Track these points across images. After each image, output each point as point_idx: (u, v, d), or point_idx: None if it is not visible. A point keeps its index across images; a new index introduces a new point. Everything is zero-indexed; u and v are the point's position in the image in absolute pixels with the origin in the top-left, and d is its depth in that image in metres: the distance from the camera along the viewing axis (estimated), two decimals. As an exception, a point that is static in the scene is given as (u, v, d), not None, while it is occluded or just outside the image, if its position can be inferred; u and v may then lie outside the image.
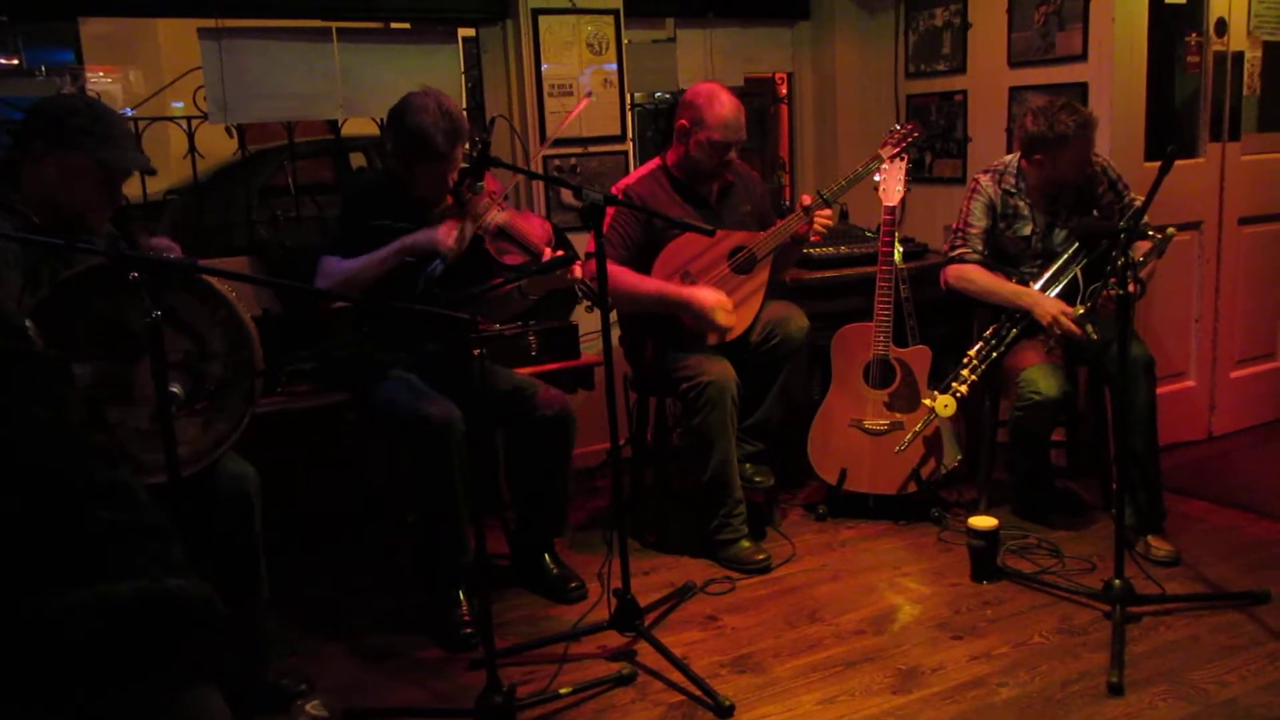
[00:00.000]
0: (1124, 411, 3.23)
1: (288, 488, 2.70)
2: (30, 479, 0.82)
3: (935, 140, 4.55)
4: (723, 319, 3.29)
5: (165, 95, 4.61)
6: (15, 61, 6.08)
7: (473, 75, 4.41)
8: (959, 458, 3.63)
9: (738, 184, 3.56)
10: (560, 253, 2.92)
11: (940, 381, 3.41)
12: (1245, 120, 4.32)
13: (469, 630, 2.92)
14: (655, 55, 4.54)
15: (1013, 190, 3.54)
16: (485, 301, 2.98)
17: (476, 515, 2.54)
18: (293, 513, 2.76)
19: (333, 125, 4.47)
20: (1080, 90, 3.87)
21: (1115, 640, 2.70)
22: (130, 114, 4.20)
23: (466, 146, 2.98)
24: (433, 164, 2.93)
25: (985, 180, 3.58)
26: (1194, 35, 4.16)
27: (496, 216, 3.00)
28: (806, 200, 3.42)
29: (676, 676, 2.69)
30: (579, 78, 4.08)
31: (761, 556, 3.35)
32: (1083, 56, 3.89)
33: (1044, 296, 3.37)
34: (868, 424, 3.61)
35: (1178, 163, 2.80)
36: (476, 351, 2.35)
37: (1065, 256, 3.43)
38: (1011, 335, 3.41)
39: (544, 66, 4.01)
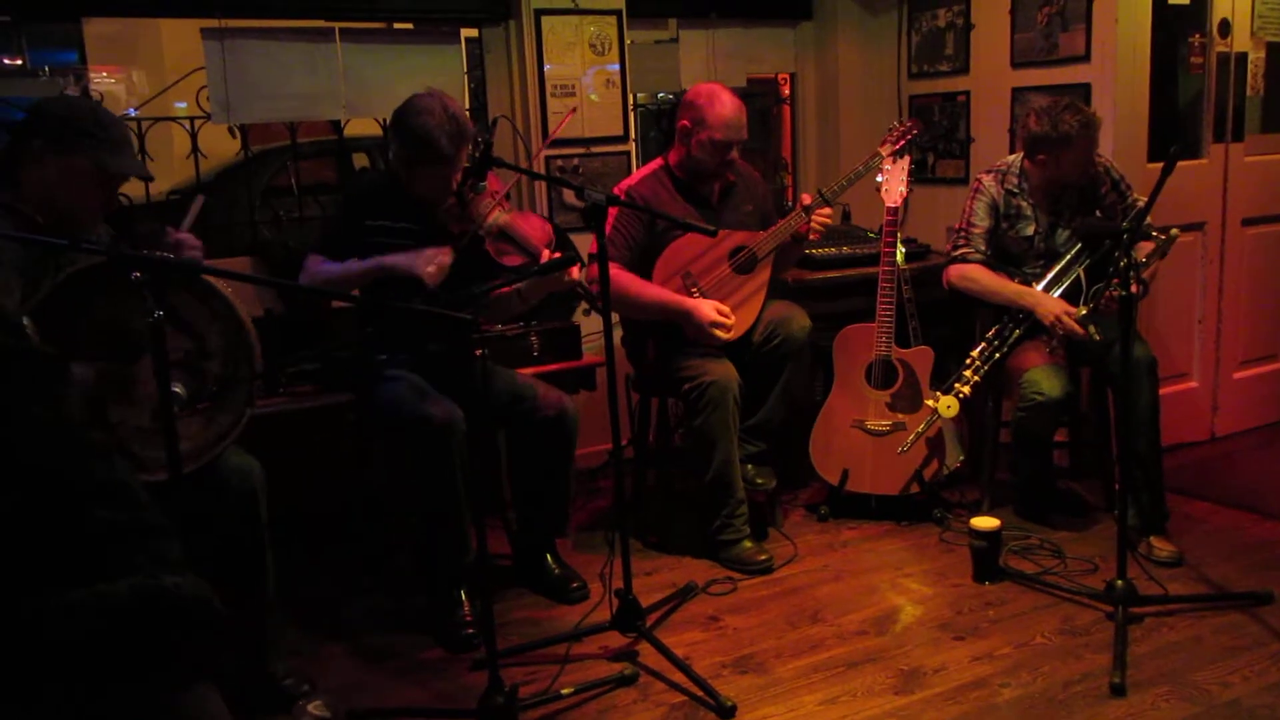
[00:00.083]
0: (1127, 412, 3.23)
1: (289, 488, 2.71)
2: (30, 478, 0.82)
3: (938, 141, 4.55)
4: (721, 334, 3.30)
5: (168, 95, 4.62)
6: (19, 62, 6.09)
7: (475, 76, 4.41)
8: (961, 458, 3.62)
9: (739, 184, 3.56)
10: (558, 254, 2.92)
11: (943, 382, 3.41)
12: (1249, 121, 4.32)
13: (471, 630, 2.92)
14: (658, 56, 4.55)
15: (1015, 190, 3.54)
16: (484, 302, 2.98)
17: (478, 515, 2.54)
18: (294, 513, 2.75)
19: (336, 126, 4.47)
20: (1083, 91, 3.87)
21: (1117, 641, 2.70)
22: (134, 114, 4.22)
23: (469, 148, 2.98)
24: (436, 166, 2.93)
25: (988, 180, 3.58)
26: (1197, 36, 4.15)
27: (498, 218, 3.00)
28: (807, 199, 3.42)
29: (678, 677, 2.69)
30: (581, 78, 4.08)
31: (763, 557, 3.35)
32: (1086, 57, 3.89)
33: (1047, 297, 3.37)
34: (870, 425, 3.61)
35: (1181, 163, 2.81)
36: (479, 352, 2.35)
37: (1068, 257, 3.42)
38: (1014, 336, 3.40)
39: (546, 67, 4.01)
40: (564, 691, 2.61)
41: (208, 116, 3.73)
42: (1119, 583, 2.84)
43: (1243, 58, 4.25)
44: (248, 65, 3.66)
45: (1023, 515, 3.65)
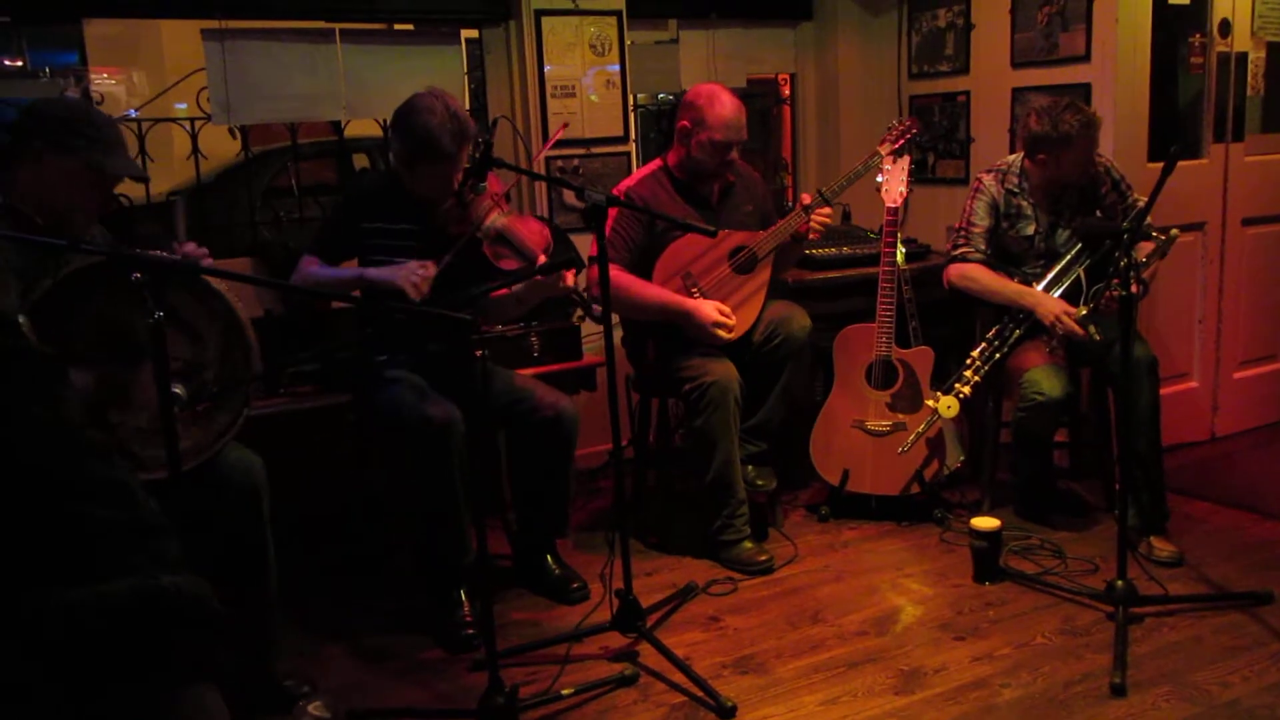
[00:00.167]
0: (1127, 412, 3.23)
1: (289, 488, 2.71)
2: (27, 477, 0.82)
3: (938, 141, 4.55)
4: (722, 334, 3.30)
5: (169, 96, 4.63)
6: (20, 63, 6.09)
7: (475, 76, 4.41)
8: (961, 459, 3.62)
9: (739, 184, 3.56)
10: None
11: (943, 382, 3.41)
12: (1249, 121, 4.32)
13: (471, 631, 2.92)
14: (658, 56, 4.55)
15: (1016, 190, 3.54)
16: (481, 304, 2.98)
17: (478, 516, 2.54)
18: (294, 513, 2.75)
19: (336, 126, 4.47)
20: (1083, 91, 3.87)
21: (1118, 641, 2.70)
22: (134, 115, 4.21)
23: (470, 147, 2.98)
24: (439, 165, 2.93)
25: (988, 180, 3.58)
26: (1197, 36, 4.15)
27: (496, 220, 3.00)
28: (806, 199, 3.42)
29: (678, 677, 2.69)
30: (581, 79, 4.08)
31: (764, 558, 3.35)
32: (1086, 57, 3.89)
33: (1047, 296, 3.37)
34: (870, 425, 3.61)
35: (1181, 163, 2.81)
36: (479, 353, 2.35)
37: (1068, 257, 3.42)
38: (1014, 336, 3.40)
39: (547, 68, 4.01)
40: (564, 692, 2.61)
41: (208, 117, 3.73)
42: (1119, 583, 2.84)
43: (1243, 57, 4.25)
44: (248, 66, 3.66)
45: (1023, 515, 3.65)
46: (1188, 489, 3.86)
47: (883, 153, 3.60)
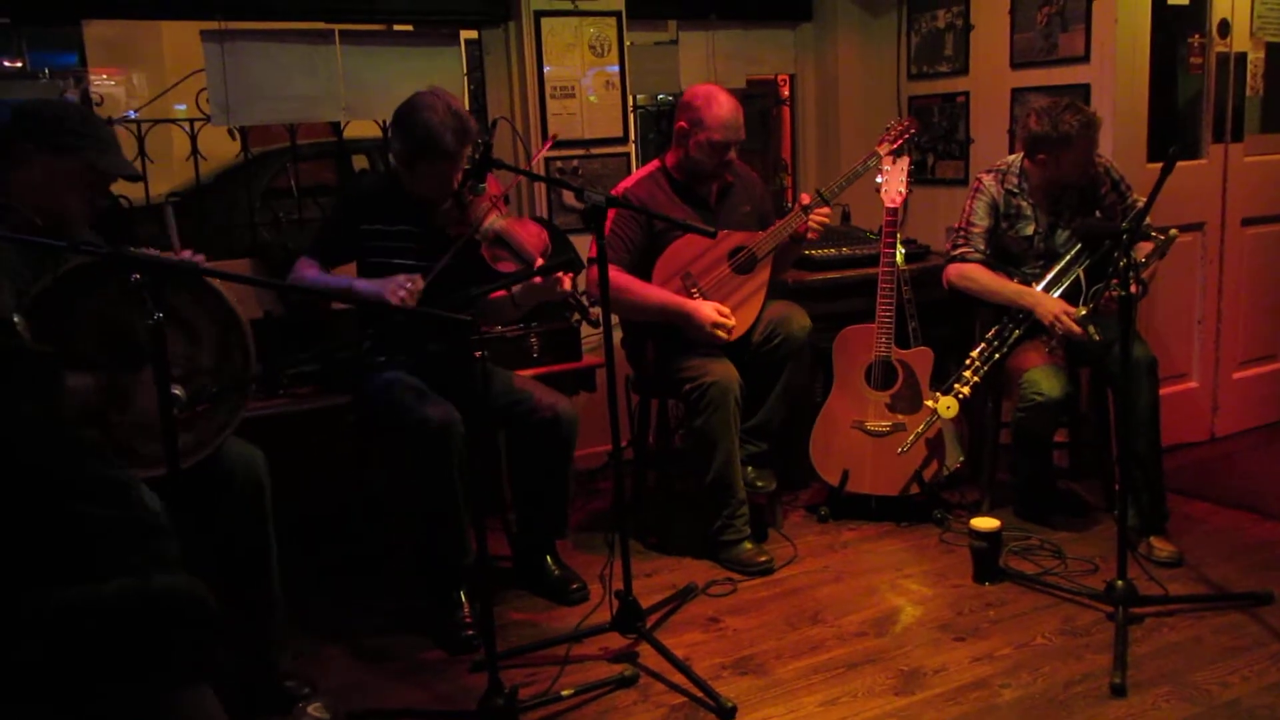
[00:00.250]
0: (1126, 413, 3.23)
1: (289, 489, 2.70)
2: (24, 476, 0.82)
3: (937, 142, 4.55)
4: (722, 335, 3.30)
5: (168, 97, 4.63)
6: (19, 64, 6.09)
7: (475, 77, 4.41)
8: (961, 459, 3.62)
9: (737, 185, 3.56)
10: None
11: (942, 383, 3.41)
12: (1248, 121, 4.32)
13: (470, 632, 2.92)
14: (657, 57, 4.55)
15: (1015, 190, 3.54)
16: (479, 305, 2.98)
17: (478, 517, 2.55)
18: (294, 514, 2.75)
19: (335, 127, 4.47)
20: (1083, 91, 3.87)
21: (1118, 641, 2.70)
22: (134, 116, 4.21)
23: (470, 147, 2.98)
24: (440, 164, 2.93)
25: (988, 180, 3.58)
26: (1197, 36, 4.15)
27: (495, 222, 3.00)
28: (805, 199, 3.42)
29: (678, 678, 2.69)
30: (581, 79, 4.08)
31: (764, 558, 3.35)
32: (1085, 58, 3.89)
33: (1046, 296, 3.37)
34: (870, 425, 3.61)
35: (1180, 164, 2.81)
36: (479, 354, 2.35)
37: (1068, 257, 3.42)
38: (1014, 336, 3.41)
39: (546, 69, 4.01)
40: (564, 693, 2.61)
41: (207, 118, 3.73)
42: (1119, 583, 2.84)
43: (1242, 58, 4.25)
44: (247, 67, 3.67)
45: (1023, 516, 3.65)
46: (1187, 489, 3.86)
47: (881, 153, 3.60)
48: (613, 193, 3.42)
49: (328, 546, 3.60)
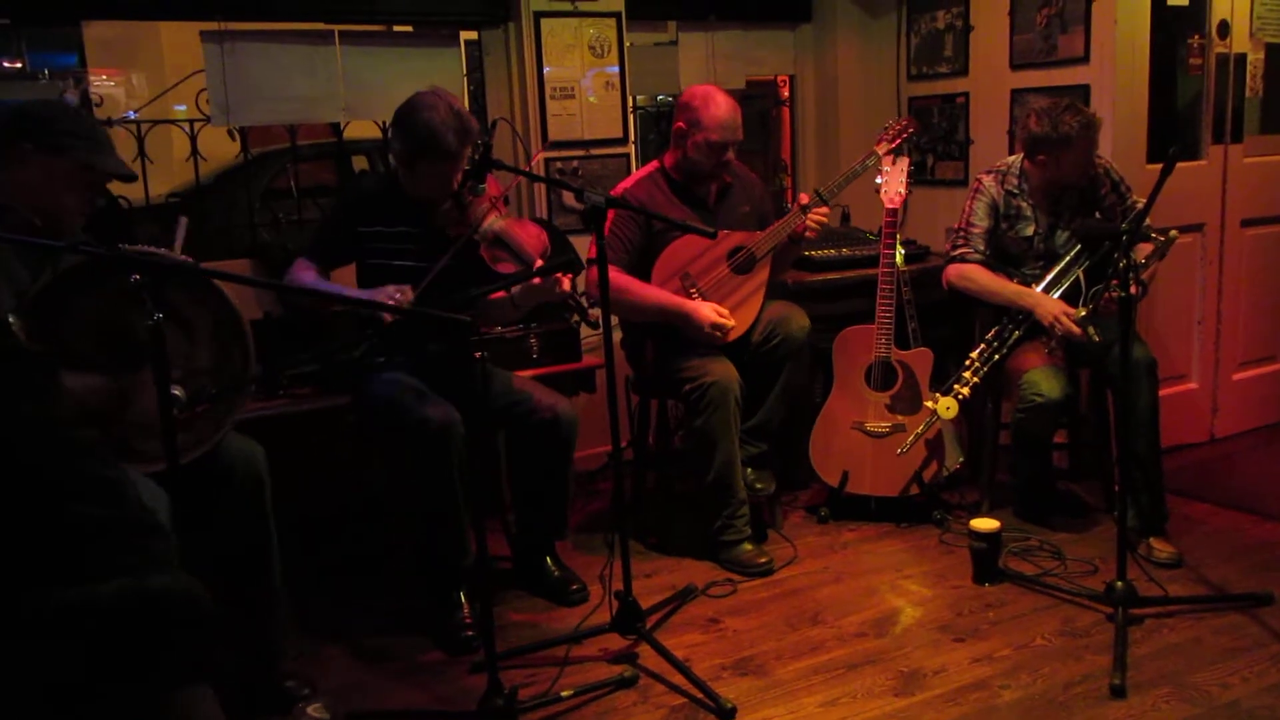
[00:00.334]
0: (1126, 413, 3.23)
1: (289, 489, 2.70)
2: (19, 476, 0.82)
3: (937, 143, 4.55)
4: (720, 335, 3.30)
5: (168, 98, 4.63)
6: (19, 65, 6.09)
7: (474, 78, 4.41)
8: (961, 460, 3.62)
9: (736, 185, 3.56)
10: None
11: (942, 383, 3.41)
12: (1248, 122, 4.32)
13: (470, 633, 2.92)
14: (657, 58, 4.55)
15: (1015, 191, 3.54)
16: (479, 306, 2.98)
17: (477, 517, 2.54)
18: (293, 514, 2.75)
19: (335, 128, 4.47)
20: (1082, 92, 3.87)
21: (1117, 642, 2.70)
22: (133, 117, 4.21)
23: (471, 147, 2.98)
24: (440, 163, 2.93)
25: (988, 180, 3.58)
26: (1196, 37, 4.16)
27: (494, 223, 3.00)
28: (804, 199, 3.42)
29: (678, 679, 2.69)
30: (580, 80, 4.08)
31: (763, 559, 3.35)
32: (1085, 59, 3.89)
33: (1046, 297, 3.37)
34: (869, 426, 3.61)
35: (1180, 165, 2.81)
36: (478, 355, 2.35)
37: (1068, 258, 3.43)
38: (1013, 337, 3.41)
39: (546, 69, 4.01)
40: (564, 694, 2.61)
41: (207, 119, 3.73)
42: (1119, 584, 2.84)
43: (1241, 59, 4.25)
44: (247, 68, 3.66)
45: (1022, 517, 3.65)
46: (1187, 490, 3.86)
47: (879, 152, 3.60)
48: (611, 194, 3.42)
49: (328, 546, 3.60)
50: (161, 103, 4.77)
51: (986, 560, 3.19)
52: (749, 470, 3.49)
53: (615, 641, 2.89)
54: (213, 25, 3.60)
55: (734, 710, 2.55)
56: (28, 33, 5.74)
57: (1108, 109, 3.80)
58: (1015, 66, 4.17)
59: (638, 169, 3.89)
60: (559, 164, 4.08)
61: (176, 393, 2.21)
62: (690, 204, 3.46)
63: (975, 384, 3.35)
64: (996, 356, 3.40)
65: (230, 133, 3.94)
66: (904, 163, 3.59)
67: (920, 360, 3.59)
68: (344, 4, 3.79)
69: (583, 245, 3.50)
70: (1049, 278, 3.42)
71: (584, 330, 3.64)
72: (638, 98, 4.65)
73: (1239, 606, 2.98)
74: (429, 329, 3.04)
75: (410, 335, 3.05)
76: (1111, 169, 3.56)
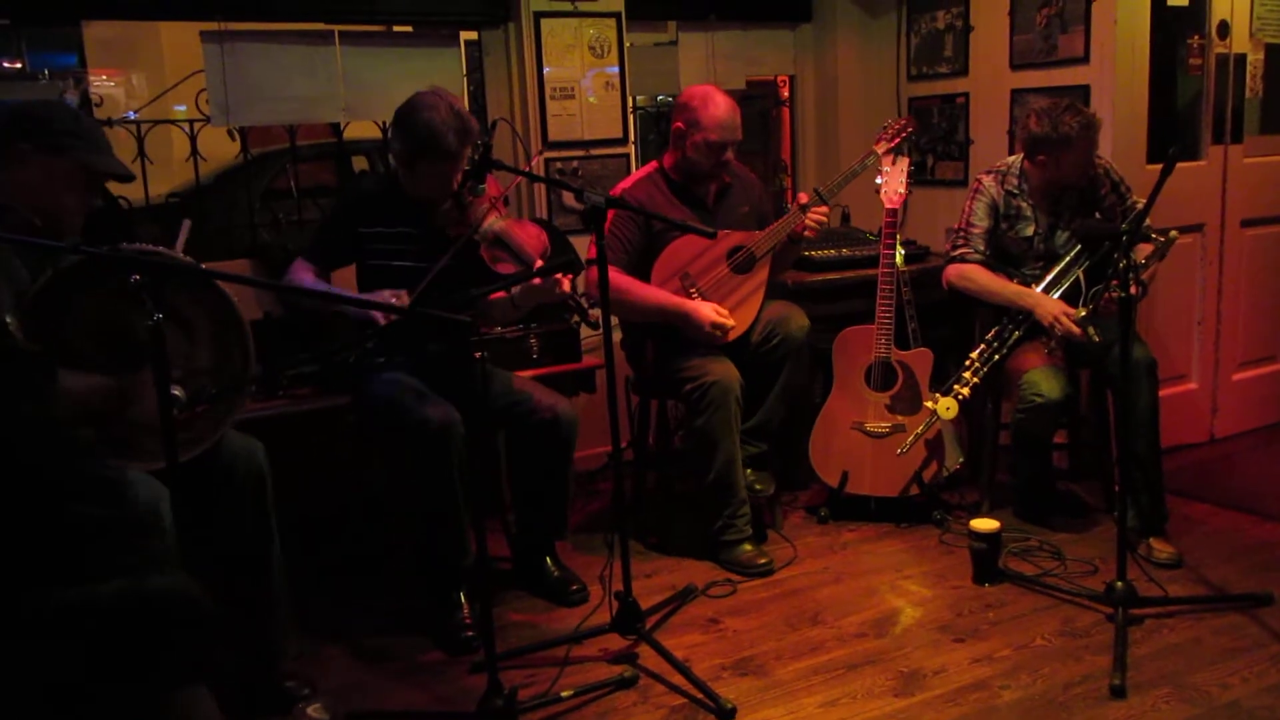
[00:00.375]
0: (1126, 414, 3.23)
1: (289, 489, 2.70)
2: (17, 475, 0.82)
3: (937, 143, 4.55)
4: (720, 335, 3.30)
5: (168, 98, 4.63)
6: (19, 65, 6.09)
7: (474, 78, 4.41)
8: (961, 460, 3.62)
9: (735, 185, 3.56)
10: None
11: (942, 384, 3.41)
12: (1247, 122, 4.32)
13: (470, 633, 2.92)
14: (657, 58, 4.55)
15: (1015, 191, 3.54)
16: (479, 306, 2.98)
17: (477, 518, 2.54)
18: (293, 514, 2.75)
19: (335, 128, 4.47)
20: (1082, 92, 3.87)
21: (1117, 643, 2.70)
22: (133, 117, 4.21)
23: (471, 148, 2.98)
24: (441, 163, 2.93)
25: (988, 180, 3.58)
26: (1196, 37, 4.16)
27: (494, 223, 3.00)
28: (803, 198, 3.42)
29: (678, 679, 2.69)
30: (580, 80, 4.08)
31: (763, 559, 3.35)
32: (1085, 59, 3.89)
33: (1046, 297, 3.37)
34: (869, 426, 3.61)
35: (1180, 165, 2.81)
36: (478, 355, 2.35)
37: (1068, 258, 3.43)
38: (1013, 337, 3.41)
39: (546, 69, 4.01)
40: (564, 694, 2.61)
41: (207, 119, 3.73)
42: (1119, 584, 2.84)
43: (1241, 59, 4.26)
44: (247, 68, 3.66)
45: (1022, 517, 3.65)
46: (1187, 490, 3.86)
47: (878, 151, 3.60)
48: (611, 194, 3.42)
49: (328, 546, 3.60)
50: (161, 103, 4.77)
51: (986, 560, 3.19)
52: (748, 471, 3.49)
53: (615, 642, 2.89)
54: (213, 25, 3.60)
55: (734, 710, 2.55)
56: (28, 33, 5.74)
57: (1108, 109, 3.80)
58: (1015, 67, 4.17)
59: (637, 169, 3.89)
60: (559, 164, 4.09)
61: (176, 393, 2.20)
62: (689, 204, 3.46)
63: (975, 384, 3.35)
64: (996, 357, 3.40)
65: (230, 133, 3.94)
66: (904, 163, 3.59)
67: (920, 360, 3.59)
68: (344, 4, 3.79)
69: (582, 245, 3.50)
70: (1049, 278, 3.42)
71: (584, 330, 3.64)
72: (638, 98, 4.65)
73: (1239, 607, 2.98)
74: (429, 329, 3.04)
75: (410, 335, 3.05)
76: (1111, 169, 3.56)
